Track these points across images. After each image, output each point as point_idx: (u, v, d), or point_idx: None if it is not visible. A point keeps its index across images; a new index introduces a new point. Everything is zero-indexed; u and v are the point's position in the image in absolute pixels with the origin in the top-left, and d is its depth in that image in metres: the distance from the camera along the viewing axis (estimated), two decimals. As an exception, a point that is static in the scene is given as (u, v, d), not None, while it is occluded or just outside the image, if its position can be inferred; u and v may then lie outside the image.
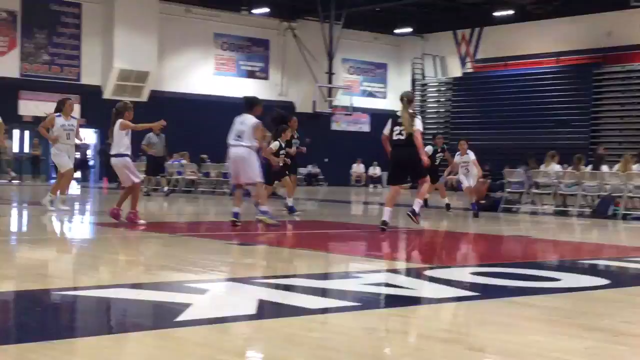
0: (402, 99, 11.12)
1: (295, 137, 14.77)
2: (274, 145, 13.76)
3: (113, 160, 11.33)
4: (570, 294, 6.00)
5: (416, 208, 11.29)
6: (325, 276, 6.84)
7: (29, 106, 29.22)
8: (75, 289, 5.71)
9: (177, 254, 8.09)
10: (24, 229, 11.81)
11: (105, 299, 5.25)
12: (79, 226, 11.74)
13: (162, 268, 6.98)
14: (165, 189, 21.91)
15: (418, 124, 10.92)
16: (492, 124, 31.57)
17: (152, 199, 19.45)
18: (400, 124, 10.92)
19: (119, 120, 11.19)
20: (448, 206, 16.83)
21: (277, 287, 5.92)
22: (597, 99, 30.14)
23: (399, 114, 11.00)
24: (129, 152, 11.27)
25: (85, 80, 30.24)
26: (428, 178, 11.69)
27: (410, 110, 10.98)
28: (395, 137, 10.95)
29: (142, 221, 10.97)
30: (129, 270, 7.10)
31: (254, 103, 11.40)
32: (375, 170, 35.24)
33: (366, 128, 37.27)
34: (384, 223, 10.94)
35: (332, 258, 8.46)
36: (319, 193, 26.80)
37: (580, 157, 18.31)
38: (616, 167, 17.26)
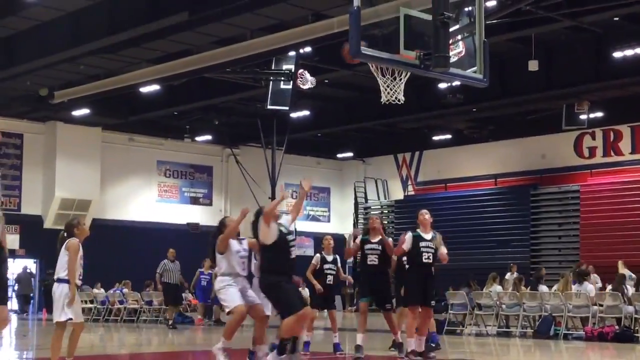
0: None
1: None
2: (316, 259, 12.08)
3: (54, 286, 9.45)
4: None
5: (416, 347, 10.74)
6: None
7: (-32, 237, 28.72)
8: None
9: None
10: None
11: None
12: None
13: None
14: (170, 322, 20.25)
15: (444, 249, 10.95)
16: (435, 245, 31.84)
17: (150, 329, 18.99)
18: (428, 247, 10.88)
19: (68, 241, 9.41)
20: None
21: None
22: (535, 219, 30.69)
23: (425, 236, 10.94)
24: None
25: (26, 210, 29.95)
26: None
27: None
28: (424, 260, 10.86)
29: None
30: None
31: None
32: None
33: (310, 252, 37.26)
34: (416, 354, 10.74)
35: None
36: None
37: (520, 278, 18.58)
38: (555, 287, 17.51)
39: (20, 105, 28.40)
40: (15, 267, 29.23)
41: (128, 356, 13.01)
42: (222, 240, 10.02)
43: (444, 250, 10.90)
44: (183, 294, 24.03)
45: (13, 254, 29.48)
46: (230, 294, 9.84)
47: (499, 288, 18.26)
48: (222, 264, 10.06)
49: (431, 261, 10.88)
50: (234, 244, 10.13)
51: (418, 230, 10.99)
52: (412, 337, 10.83)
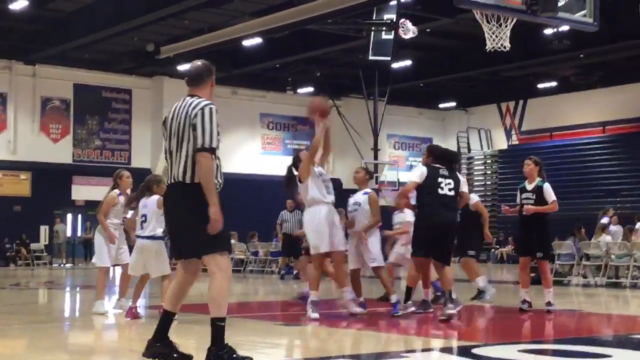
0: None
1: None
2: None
3: (145, 242, 9.56)
4: (620, 371, 5.93)
5: (551, 299, 10.56)
6: (374, 357, 6.84)
7: (82, 191, 29.80)
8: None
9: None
10: (76, 313, 11.97)
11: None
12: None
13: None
14: (281, 271, 20.55)
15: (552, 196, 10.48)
16: (540, 195, 31.30)
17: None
18: (527, 198, 10.47)
19: (157, 197, 9.37)
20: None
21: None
22: (646, 168, 29.92)
23: (527, 187, 10.57)
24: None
25: (136, 163, 30.82)
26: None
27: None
28: (524, 212, 10.51)
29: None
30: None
31: None
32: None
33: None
34: (525, 303, 10.64)
35: (382, 338, 8.44)
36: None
37: (630, 228, 18.12)
38: (668, 237, 17.02)
39: (128, 61, 29.10)
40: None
41: (236, 304, 13.35)
42: (308, 160, 9.93)
43: (549, 197, 10.43)
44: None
45: (124, 206, 30.43)
46: (320, 237, 9.68)
47: (608, 238, 17.85)
48: (306, 192, 9.88)
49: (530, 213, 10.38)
50: (314, 169, 9.86)
51: (525, 181, 10.77)
52: (525, 287, 10.77)
